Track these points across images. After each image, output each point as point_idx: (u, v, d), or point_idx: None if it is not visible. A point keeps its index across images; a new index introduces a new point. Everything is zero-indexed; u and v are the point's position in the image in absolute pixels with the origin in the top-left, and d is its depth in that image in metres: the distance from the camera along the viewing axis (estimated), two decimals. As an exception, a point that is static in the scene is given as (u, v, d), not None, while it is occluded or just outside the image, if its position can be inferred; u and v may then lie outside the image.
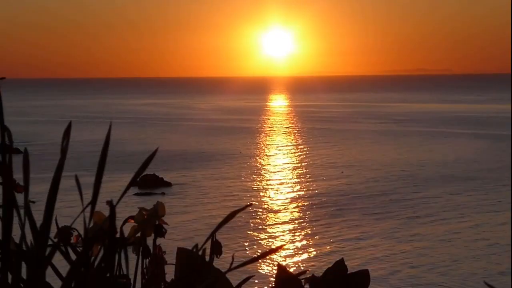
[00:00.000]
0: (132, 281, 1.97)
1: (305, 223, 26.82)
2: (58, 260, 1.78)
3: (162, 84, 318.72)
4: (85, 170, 32.96)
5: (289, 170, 40.42)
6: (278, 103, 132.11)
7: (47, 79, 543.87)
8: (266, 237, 24.57)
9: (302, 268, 20.54)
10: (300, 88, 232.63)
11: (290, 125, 74.44)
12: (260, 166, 41.51)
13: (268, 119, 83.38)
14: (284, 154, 48.39)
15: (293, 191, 33.42)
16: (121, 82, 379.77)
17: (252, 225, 25.84)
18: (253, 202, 29.04)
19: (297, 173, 39.20)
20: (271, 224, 26.49)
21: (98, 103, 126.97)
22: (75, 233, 1.95)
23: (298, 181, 36.29)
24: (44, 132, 62.58)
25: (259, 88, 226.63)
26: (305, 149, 51.23)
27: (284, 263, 18.19)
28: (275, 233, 25.29)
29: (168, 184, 34.14)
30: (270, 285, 18.25)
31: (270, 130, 67.22)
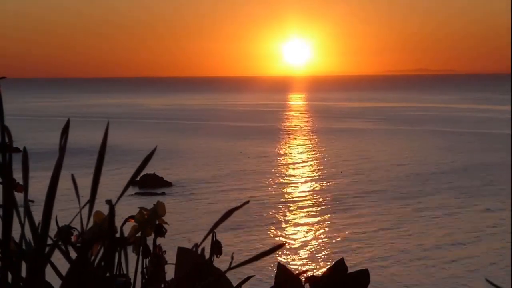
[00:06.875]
0: (132, 281, 1.97)
1: (305, 222, 26.83)
2: (58, 259, 1.78)
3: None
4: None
5: (289, 169, 40.42)
6: (286, 101, 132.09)
7: (44, 79, 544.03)
8: (267, 236, 24.57)
9: (303, 267, 20.55)
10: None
11: (292, 125, 74.44)
12: (260, 165, 41.49)
13: (270, 119, 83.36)
14: (284, 153, 48.39)
15: (293, 191, 33.43)
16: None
17: (252, 224, 25.83)
18: (252, 201, 29.03)
19: (297, 172, 39.20)
20: (271, 223, 26.50)
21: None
22: (76, 233, 1.94)
23: (298, 180, 36.31)
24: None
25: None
26: (305, 148, 51.24)
27: (284, 262, 18.18)
28: (275, 232, 25.29)
29: (169, 184, 34.12)
30: (270, 284, 18.24)
31: (270, 130, 67.19)
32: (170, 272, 2.12)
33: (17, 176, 1.73)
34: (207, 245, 2.05)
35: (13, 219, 1.64)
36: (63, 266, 1.75)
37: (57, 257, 1.77)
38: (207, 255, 2.10)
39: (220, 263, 2.09)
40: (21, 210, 1.66)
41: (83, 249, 1.71)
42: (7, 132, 1.63)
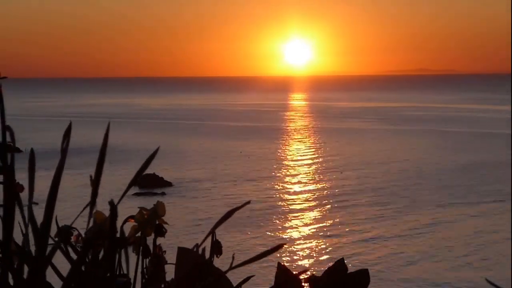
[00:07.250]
0: (132, 281, 1.97)
1: (305, 222, 26.83)
2: (59, 259, 1.78)
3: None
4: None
5: (289, 169, 40.42)
6: (286, 101, 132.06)
7: (44, 79, 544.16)
8: (267, 235, 24.57)
9: (302, 266, 20.56)
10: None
11: (292, 124, 74.43)
12: (260, 165, 41.49)
13: (270, 119, 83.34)
14: (284, 153, 48.39)
15: (294, 190, 33.43)
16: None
17: (252, 223, 25.84)
18: (253, 200, 29.03)
19: (297, 172, 39.20)
20: (272, 223, 26.49)
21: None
22: (75, 233, 1.95)
23: (299, 180, 36.30)
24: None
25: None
26: (306, 148, 51.25)
27: (284, 262, 18.19)
28: (275, 231, 25.29)
29: (169, 184, 34.10)
30: (270, 284, 18.26)
31: (270, 130, 67.17)
32: (170, 272, 2.12)
33: (18, 176, 1.74)
34: (207, 245, 2.06)
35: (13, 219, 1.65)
36: (64, 266, 1.76)
37: (58, 258, 1.78)
38: (207, 255, 2.10)
39: (221, 263, 2.10)
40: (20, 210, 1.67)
41: (84, 249, 1.72)
42: (10, 132, 1.64)
